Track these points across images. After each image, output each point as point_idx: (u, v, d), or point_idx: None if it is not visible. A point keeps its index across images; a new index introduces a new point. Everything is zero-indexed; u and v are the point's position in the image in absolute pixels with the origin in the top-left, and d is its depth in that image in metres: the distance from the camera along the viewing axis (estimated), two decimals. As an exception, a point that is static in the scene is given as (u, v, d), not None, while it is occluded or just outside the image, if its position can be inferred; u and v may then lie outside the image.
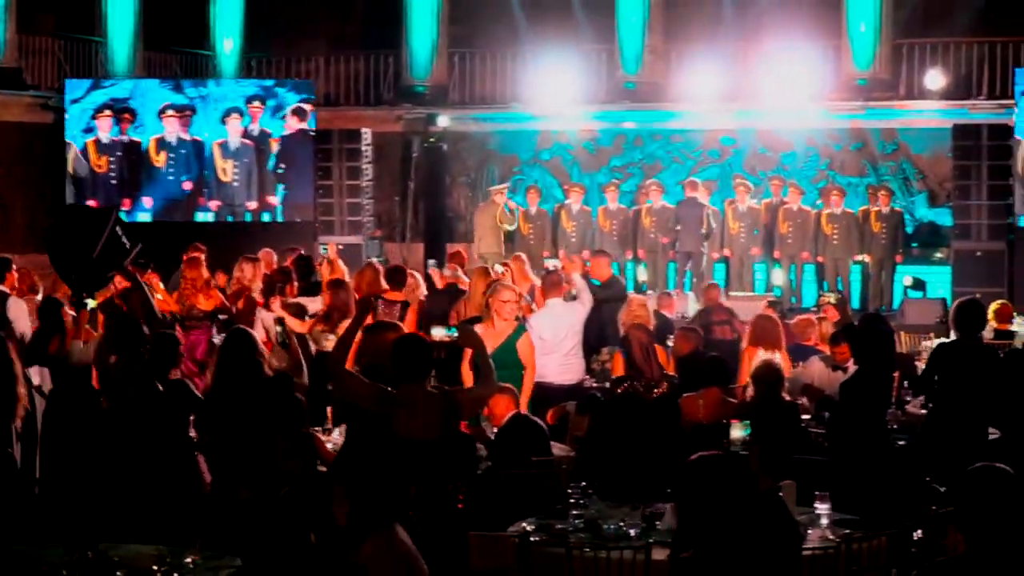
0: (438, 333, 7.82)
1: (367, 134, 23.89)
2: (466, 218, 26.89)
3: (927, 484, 8.24)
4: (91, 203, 22.11)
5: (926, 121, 24.79)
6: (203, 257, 14.53)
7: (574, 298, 12.77)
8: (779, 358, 12.29)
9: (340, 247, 17.66)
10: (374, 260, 15.78)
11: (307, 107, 23.55)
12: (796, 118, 24.88)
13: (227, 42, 26.76)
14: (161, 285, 13.85)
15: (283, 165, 23.45)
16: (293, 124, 23.45)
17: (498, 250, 21.18)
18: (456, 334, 7.78)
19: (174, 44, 26.90)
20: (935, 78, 24.07)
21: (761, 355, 12.13)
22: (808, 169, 25.67)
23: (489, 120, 26.68)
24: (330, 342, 11.39)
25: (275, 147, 23.43)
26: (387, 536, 5.99)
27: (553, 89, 24.68)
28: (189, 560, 6.45)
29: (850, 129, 25.67)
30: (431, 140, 25.50)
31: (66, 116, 23.53)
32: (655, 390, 9.79)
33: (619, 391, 9.79)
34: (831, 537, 7.36)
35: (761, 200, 22.15)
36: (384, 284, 13.71)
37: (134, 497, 8.21)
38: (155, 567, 6.38)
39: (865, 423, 9.59)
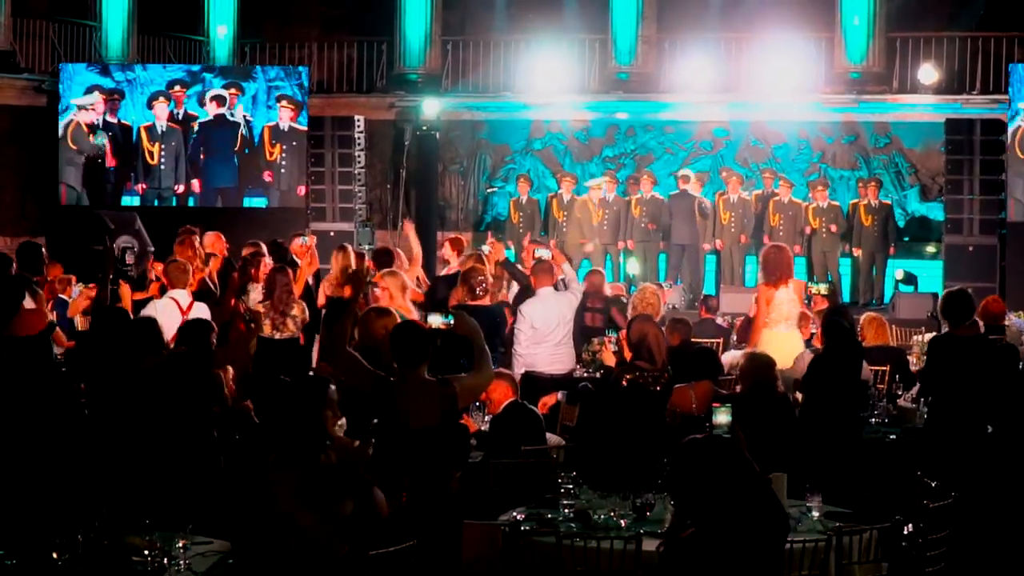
0: (435, 320, 7.77)
1: (360, 121, 23.84)
2: (457, 206, 26.88)
3: (919, 478, 8.23)
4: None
5: (919, 115, 24.82)
6: (193, 238, 14.59)
7: (565, 287, 12.80)
8: (793, 293, 12.37)
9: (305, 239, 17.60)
10: (364, 247, 15.73)
11: (223, 92, 23.56)
12: (789, 110, 24.88)
13: (221, 28, 26.70)
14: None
15: (201, 151, 23.55)
16: (212, 109, 23.54)
17: (582, 240, 21.58)
18: (452, 321, 7.73)
19: (168, 29, 26.81)
20: (928, 72, 24.08)
21: (779, 297, 12.21)
22: (800, 162, 25.66)
23: (482, 109, 26.63)
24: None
25: (194, 132, 23.59)
26: None
27: (546, 78, 24.66)
28: (180, 544, 6.44)
29: (843, 122, 25.68)
30: (423, 128, 25.44)
31: (60, 100, 23.53)
32: (661, 381, 9.81)
33: (627, 380, 9.78)
34: (821, 530, 7.36)
35: (752, 192, 22.21)
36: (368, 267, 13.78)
37: (129, 481, 8.19)
38: (145, 552, 6.37)
39: (827, 416, 9.63)
